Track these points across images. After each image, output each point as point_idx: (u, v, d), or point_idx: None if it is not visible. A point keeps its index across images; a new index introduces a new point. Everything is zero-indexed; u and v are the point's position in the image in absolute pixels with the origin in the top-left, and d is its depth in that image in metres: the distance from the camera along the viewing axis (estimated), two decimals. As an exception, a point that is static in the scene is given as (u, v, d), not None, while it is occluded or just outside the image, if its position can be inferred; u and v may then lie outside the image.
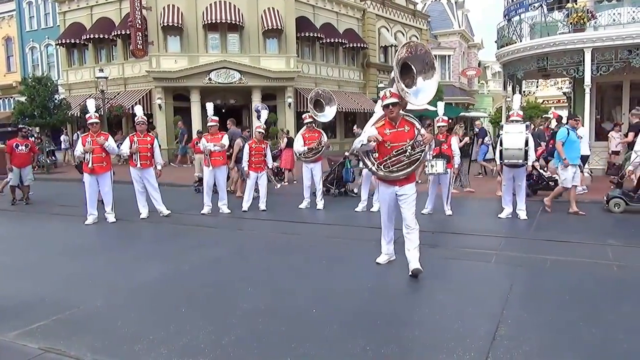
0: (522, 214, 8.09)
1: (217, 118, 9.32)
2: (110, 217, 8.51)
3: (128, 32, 20.55)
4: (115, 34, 21.44)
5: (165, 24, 20.22)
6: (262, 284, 5.00)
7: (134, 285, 5.03)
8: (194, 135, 16.15)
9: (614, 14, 13.22)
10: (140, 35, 20.39)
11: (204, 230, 8.01)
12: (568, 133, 8.34)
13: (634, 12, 12.89)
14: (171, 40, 21.25)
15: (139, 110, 9.13)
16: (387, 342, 3.55)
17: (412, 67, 4.97)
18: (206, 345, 3.57)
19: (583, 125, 11.25)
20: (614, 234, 6.83)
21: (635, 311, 4.07)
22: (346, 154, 11.13)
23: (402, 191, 5.07)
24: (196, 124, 20.30)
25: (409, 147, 4.93)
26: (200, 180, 12.13)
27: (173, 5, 20.51)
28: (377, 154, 5.05)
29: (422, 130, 5.02)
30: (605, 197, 8.83)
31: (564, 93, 26.10)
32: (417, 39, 30.02)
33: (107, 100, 19.56)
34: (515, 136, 7.80)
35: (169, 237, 7.59)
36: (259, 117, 14.50)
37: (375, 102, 12.75)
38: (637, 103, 14.16)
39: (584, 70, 12.35)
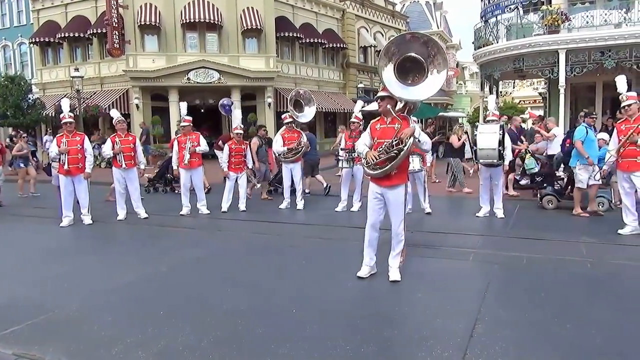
0: (499, 213, 8.21)
1: (190, 118, 9.22)
2: (87, 219, 8.37)
3: (104, 31, 20.20)
4: (91, 32, 21.06)
5: (143, 23, 19.94)
6: (241, 285, 4.98)
7: (111, 288, 4.95)
8: (172, 136, 15.97)
9: (586, 16, 13.55)
10: (116, 34, 20.06)
11: (182, 232, 7.93)
12: (587, 132, 7.97)
13: (606, 14, 13.24)
14: (148, 40, 20.97)
15: (115, 114, 9.06)
16: (367, 341, 3.57)
17: (420, 58, 4.63)
18: (185, 348, 3.53)
19: (557, 125, 11.48)
20: (588, 232, 6.99)
21: (607, 306, 4.17)
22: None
23: (387, 194, 4.86)
24: (175, 124, 20.06)
25: (388, 143, 4.68)
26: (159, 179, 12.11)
27: (150, 4, 20.23)
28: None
29: (411, 124, 4.79)
30: (538, 195, 9.13)
31: (540, 93, 26.62)
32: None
33: (83, 100, 19.22)
34: (489, 136, 7.90)
35: (147, 238, 7.50)
36: (226, 113, 14.34)
37: (355, 102, 12.81)
38: (610, 103, 14.55)
39: (558, 71, 12.64)
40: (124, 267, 5.76)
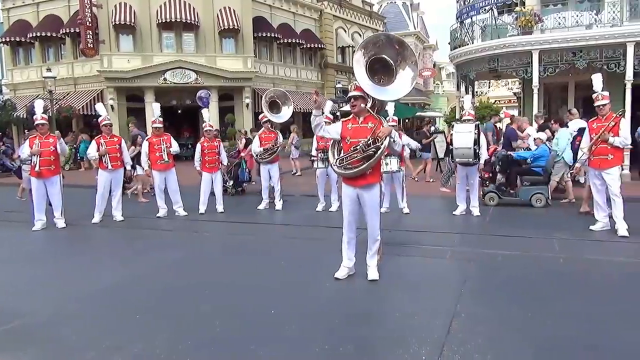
0: (476, 211, 8.33)
1: (161, 119, 9.12)
2: (60, 223, 8.19)
3: (77, 30, 19.86)
4: (64, 32, 20.67)
5: (117, 22, 19.64)
6: (219, 286, 4.94)
7: (86, 292, 4.86)
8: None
9: (559, 17, 13.82)
10: (90, 33, 19.72)
11: (159, 234, 7.84)
12: None
13: (577, 16, 13.53)
14: (123, 39, 20.67)
15: (101, 110, 8.89)
16: (345, 341, 3.58)
17: (387, 59, 4.69)
18: (162, 351, 3.49)
19: (531, 125, 11.70)
20: (561, 228, 7.13)
21: (579, 301, 4.27)
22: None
23: (363, 195, 4.83)
24: (151, 126, 19.83)
25: (364, 142, 4.66)
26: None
27: (125, 3, 19.96)
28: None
29: (385, 124, 4.85)
30: (481, 192, 9.36)
31: (515, 93, 27.06)
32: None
33: (55, 101, 18.82)
34: (464, 135, 8.01)
35: (123, 241, 7.39)
36: (204, 105, 14.22)
37: (334, 102, 12.82)
38: (582, 103, 14.88)
39: (532, 71, 12.85)
40: (99, 271, 5.66)
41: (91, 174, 11.99)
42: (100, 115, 8.80)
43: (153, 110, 9.34)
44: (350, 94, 4.82)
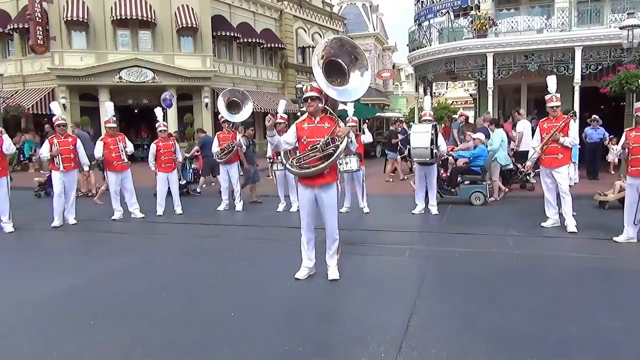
0: (434, 210, 8.50)
1: (115, 119, 8.88)
2: (8, 227, 7.80)
3: (27, 26, 19.00)
4: (12, 27, 19.74)
5: (69, 19, 18.92)
6: (177, 290, 4.84)
7: (37, 300, 4.64)
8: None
9: (512, 21, 14.33)
10: (40, 29, 18.92)
11: (115, 237, 7.61)
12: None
13: (529, 20, 14.08)
14: (76, 36, 19.94)
15: (56, 109, 8.54)
16: (306, 341, 3.58)
17: (341, 63, 4.77)
18: (117, 358, 3.39)
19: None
20: (515, 225, 7.37)
21: (531, 295, 4.42)
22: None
23: (323, 194, 4.83)
24: (105, 126, 19.23)
25: (323, 142, 4.68)
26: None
27: (78, -1, 19.26)
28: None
29: (341, 124, 4.91)
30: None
31: (471, 94, 27.84)
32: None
33: (3, 100, 17.97)
34: (421, 135, 8.16)
35: (76, 246, 7.14)
36: (167, 107, 13.96)
37: (294, 102, 12.76)
38: (534, 104, 15.46)
39: (486, 73, 13.26)
40: (51, 277, 5.42)
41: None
42: (55, 115, 8.46)
43: (106, 110, 9.03)
44: (307, 94, 4.82)
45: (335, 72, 4.79)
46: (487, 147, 9.56)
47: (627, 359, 3.22)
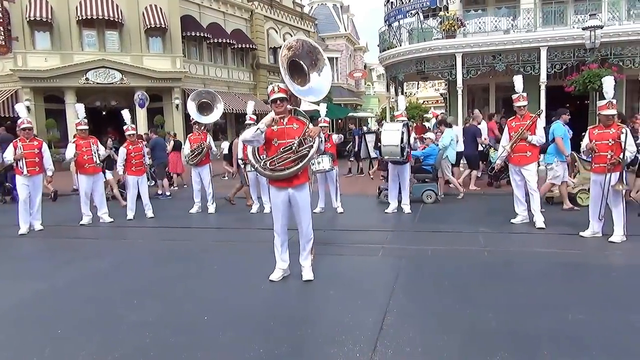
0: (407, 208, 8.58)
1: (86, 121, 8.67)
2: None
3: (-13, 26, 18.37)
4: (-29, 27, 19.04)
5: (32, 19, 18.35)
6: (149, 295, 4.74)
7: (2, 309, 4.49)
8: (70, 140, 14.91)
9: (479, 22, 14.58)
10: (1, 29, 18.34)
11: (83, 243, 7.42)
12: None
13: (496, 21, 14.35)
14: (40, 36, 19.35)
15: (22, 111, 8.27)
16: (281, 343, 3.56)
17: (302, 64, 4.83)
18: (86, 367, 3.30)
19: (457, 124, 12.25)
20: (485, 222, 7.51)
21: (502, 291, 4.51)
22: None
23: (295, 194, 4.83)
24: (72, 127, 18.71)
25: (296, 143, 4.71)
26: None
27: (41, -2, 18.71)
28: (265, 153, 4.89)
29: (311, 126, 4.89)
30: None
31: (441, 94, 28.21)
32: (305, 41, 30.53)
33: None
34: (392, 133, 8.23)
35: (42, 252, 6.93)
36: (140, 106, 13.71)
37: (266, 103, 12.62)
38: (502, 103, 15.77)
39: (456, 73, 13.46)
40: (16, 285, 5.24)
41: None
42: (20, 117, 8.20)
43: (77, 112, 8.79)
44: (276, 96, 4.74)
45: (297, 72, 4.82)
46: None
47: (594, 350, 3.31)
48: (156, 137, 12.58)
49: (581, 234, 6.39)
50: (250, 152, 5.06)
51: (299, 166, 4.75)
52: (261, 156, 4.94)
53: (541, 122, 7.35)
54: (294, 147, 4.72)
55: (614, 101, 6.20)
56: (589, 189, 7.74)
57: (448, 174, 10.07)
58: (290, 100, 4.86)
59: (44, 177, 8.41)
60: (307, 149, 4.75)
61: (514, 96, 7.26)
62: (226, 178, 14.89)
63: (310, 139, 4.77)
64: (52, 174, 8.55)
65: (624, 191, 6.14)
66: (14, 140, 8.23)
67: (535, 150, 7.12)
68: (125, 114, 9.08)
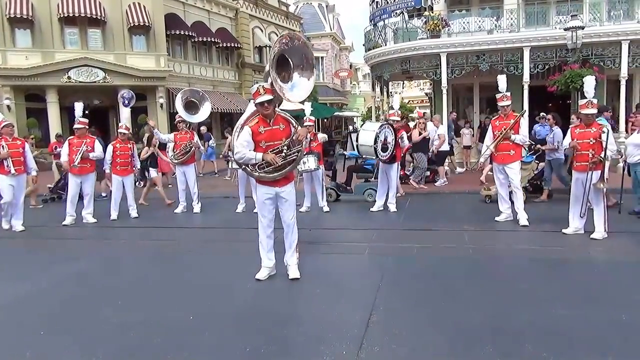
0: (392, 207, 8.61)
1: (86, 120, 8.62)
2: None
3: (-35, 23, 17.99)
4: (-51, 24, 18.63)
5: (12, 15, 18.01)
6: (133, 296, 4.70)
7: (-21, 311, 4.41)
8: (52, 139, 14.70)
9: (464, 22, 14.70)
10: (-20, 27, 17.96)
11: (66, 243, 7.33)
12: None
13: (480, 21, 14.48)
14: (20, 34, 19.00)
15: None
16: (268, 342, 3.55)
17: (290, 60, 4.81)
18: (69, 368, 3.25)
19: (442, 124, 12.34)
20: (469, 221, 7.57)
21: (486, 288, 4.55)
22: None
23: (283, 193, 4.87)
24: (54, 127, 18.47)
25: (285, 147, 4.76)
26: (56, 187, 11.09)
27: (21, -5, 18.37)
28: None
29: (298, 127, 4.93)
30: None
31: (426, 94, 28.43)
32: (291, 40, 30.48)
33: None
34: (367, 134, 8.26)
35: (25, 253, 6.82)
36: (126, 105, 13.55)
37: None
38: (485, 103, 15.93)
39: (440, 73, 13.55)
40: (-4, 286, 5.15)
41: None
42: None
43: (75, 110, 8.68)
44: (262, 98, 4.66)
45: (281, 67, 4.79)
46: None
47: (577, 345, 3.36)
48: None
49: (564, 231, 6.48)
50: None
51: (288, 168, 4.83)
52: None
53: (525, 121, 7.44)
54: (284, 152, 4.75)
55: (594, 100, 6.30)
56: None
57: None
58: (274, 99, 4.83)
59: (28, 177, 8.28)
60: (296, 153, 4.83)
61: (498, 95, 7.33)
62: (217, 175, 14.83)
63: (298, 142, 4.84)
64: (37, 174, 8.43)
65: (604, 189, 6.24)
66: None
67: (518, 148, 7.21)
68: (125, 112, 9.09)
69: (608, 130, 6.13)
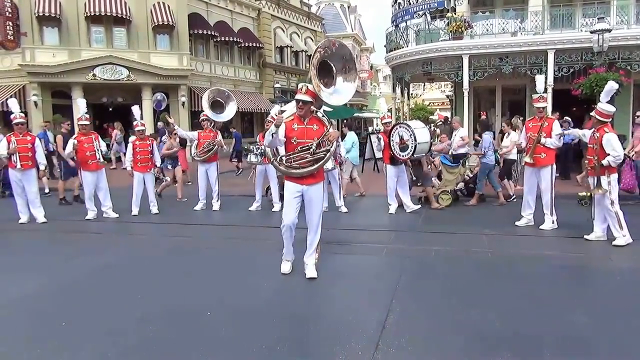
0: (410, 207, 8.57)
1: (88, 116, 8.72)
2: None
3: (-4, 21, 18.46)
4: (-19, 22, 19.15)
5: (41, 14, 18.45)
6: (153, 290, 4.77)
7: (5, 302, 4.53)
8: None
9: (487, 24, 14.56)
10: (10, 24, 18.41)
11: (88, 237, 7.46)
12: None
13: (504, 23, 14.31)
14: (48, 32, 19.46)
15: (14, 106, 8.34)
16: (284, 340, 3.57)
17: (333, 66, 4.91)
18: (90, 359, 3.32)
19: (462, 127, 12.22)
20: (489, 225, 7.47)
21: (505, 293, 4.50)
22: None
23: (309, 192, 4.91)
24: (77, 123, 18.81)
25: (314, 145, 4.82)
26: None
27: (49, -6, 18.79)
28: (282, 149, 4.96)
29: (330, 129, 5.00)
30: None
31: (447, 96, 28.17)
32: (312, 40, 30.60)
33: (-29, 96, 17.45)
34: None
35: (47, 246, 6.97)
36: (157, 108, 13.72)
37: (272, 102, 12.65)
38: (508, 106, 15.74)
39: (462, 75, 13.43)
40: (21, 278, 5.27)
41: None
42: (13, 112, 8.28)
43: (79, 107, 8.84)
44: (299, 97, 4.80)
45: (325, 73, 4.88)
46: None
47: (597, 353, 3.31)
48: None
49: (586, 237, 6.36)
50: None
51: (314, 167, 4.87)
52: (278, 150, 5.02)
53: (557, 124, 7.26)
54: (312, 149, 4.82)
55: (606, 107, 6.15)
56: (450, 191, 8.97)
57: (346, 176, 10.14)
58: (315, 102, 4.93)
59: (37, 171, 8.48)
60: (324, 152, 4.88)
61: (534, 96, 7.25)
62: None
63: (329, 143, 4.88)
64: (46, 168, 8.64)
65: (607, 194, 6.05)
66: (7, 135, 8.34)
67: (550, 152, 7.04)
68: (136, 110, 9.22)
69: (609, 137, 5.97)
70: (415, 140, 8.11)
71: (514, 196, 9.37)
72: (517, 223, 7.34)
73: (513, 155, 9.62)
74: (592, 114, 6.16)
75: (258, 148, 8.74)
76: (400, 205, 8.70)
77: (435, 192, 9.10)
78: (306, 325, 3.87)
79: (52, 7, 18.61)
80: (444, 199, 9.02)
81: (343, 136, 10.26)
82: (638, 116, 9.45)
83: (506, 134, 9.67)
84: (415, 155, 8.33)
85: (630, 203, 8.21)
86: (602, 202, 6.11)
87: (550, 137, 6.98)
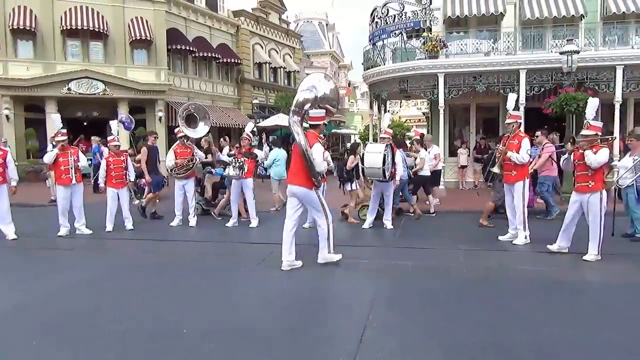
0: (388, 224, 8.64)
1: (65, 131, 8.51)
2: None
3: (-32, 33, 18.13)
4: (-48, 34, 18.76)
5: (15, 27, 18.19)
6: (128, 307, 4.67)
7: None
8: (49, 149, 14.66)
9: (461, 44, 14.92)
10: (-17, 37, 18.10)
11: (60, 254, 7.30)
12: None
13: (478, 43, 14.71)
14: (22, 45, 19.16)
15: None
16: (261, 355, 3.55)
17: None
18: (61, 379, 3.24)
19: (437, 145, 12.42)
20: (465, 240, 7.57)
21: (480, 307, 4.56)
22: None
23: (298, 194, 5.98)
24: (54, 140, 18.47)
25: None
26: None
27: (25, 7, 18.54)
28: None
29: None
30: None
31: (423, 113, 28.65)
32: (291, 57, 30.84)
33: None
34: (374, 155, 8.19)
35: (17, 263, 6.78)
36: (126, 129, 13.61)
37: (250, 117, 12.57)
38: (482, 124, 16.08)
39: (438, 93, 13.70)
40: (-11, 295, 5.13)
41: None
42: None
43: (53, 122, 8.66)
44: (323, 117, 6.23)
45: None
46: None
47: (569, 365, 3.38)
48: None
49: (548, 246, 6.57)
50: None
51: None
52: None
53: (526, 141, 7.39)
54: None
55: (594, 122, 6.38)
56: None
57: (274, 189, 11.05)
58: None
59: (8, 187, 8.18)
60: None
61: (508, 114, 7.47)
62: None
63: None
64: (16, 184, 8.34)
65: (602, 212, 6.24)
66: None
67: (520, 169, 7.16)
68: (113, 125, 9.09)
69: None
70: (362, 164, 8.59)
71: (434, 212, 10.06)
72: (500, 237, 7.47)
73: (426, 172, 10.16)
74: (585, 132, 6.31)
75: (237, 162, 8.70)
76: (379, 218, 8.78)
77: (356, 207, 9.46)
78: (284, 339, 3.85)
79: (27, 20, 18.37)
80: (364, 213, 9.22)
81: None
82: (537, 136, 9.69)
83: (419, 151, 10.28)
84: (367, 177, 8.78)
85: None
86: (592, 218, 6.25)
87: (518, 153, 7.11)
